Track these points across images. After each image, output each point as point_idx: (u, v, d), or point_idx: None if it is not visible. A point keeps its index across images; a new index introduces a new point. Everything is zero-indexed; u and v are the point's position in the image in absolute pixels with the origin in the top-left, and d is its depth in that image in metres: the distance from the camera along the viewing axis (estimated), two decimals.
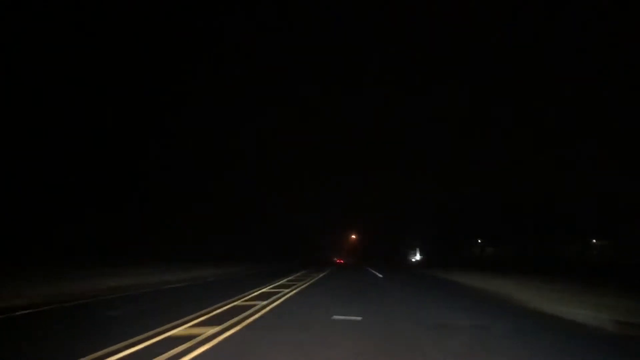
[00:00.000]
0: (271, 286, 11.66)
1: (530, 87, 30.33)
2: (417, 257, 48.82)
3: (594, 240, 34.41)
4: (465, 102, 36.99)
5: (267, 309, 7.08)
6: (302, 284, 12.40)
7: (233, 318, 5.93)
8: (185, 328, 5.20)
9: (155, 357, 3.77)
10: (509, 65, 32.14)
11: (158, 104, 31.04)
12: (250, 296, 8.99)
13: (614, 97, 24.42)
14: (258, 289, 10.77)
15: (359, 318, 6.24)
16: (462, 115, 36.58)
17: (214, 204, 36.45)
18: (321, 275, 18.01)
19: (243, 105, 46.43)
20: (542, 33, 28.51)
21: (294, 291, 10.42)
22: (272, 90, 48.99)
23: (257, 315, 6.32)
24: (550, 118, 29.03)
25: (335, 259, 66.96)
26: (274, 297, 8.78)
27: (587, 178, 27.93)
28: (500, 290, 11.00)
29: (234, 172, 39.97)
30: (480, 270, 20.55)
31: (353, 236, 79.42)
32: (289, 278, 15.29)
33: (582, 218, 30.51)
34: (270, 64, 45.96)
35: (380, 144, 55.81)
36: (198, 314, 6.27)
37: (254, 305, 7.34)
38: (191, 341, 4.41)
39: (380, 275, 18.74)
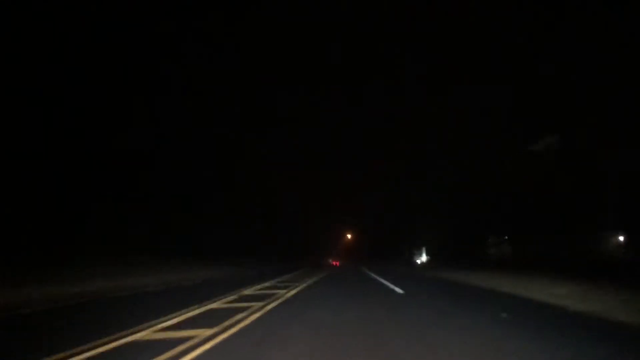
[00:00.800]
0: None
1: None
2: (423, 257, 42.27)
3: (621, 238, 28.91)
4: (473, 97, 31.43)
5: None
6: (243, 320, 5.67)
7: None
8: None
9: None
10: (513, 63, 27.11)
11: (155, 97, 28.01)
12: None
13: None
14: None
15: None
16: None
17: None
18: (301, 287, 11.18)
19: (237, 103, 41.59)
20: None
21: None
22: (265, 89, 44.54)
23: None
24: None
25: (331, 260, 60.62)
26: None
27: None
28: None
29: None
30: (540, 275, 13.73)
31: (349, 236, 73.15)
32: (234, 297, 8.51)
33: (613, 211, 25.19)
34: (270, 65, 41.69)
35: (381, 140, 50.44)
36: None
37: None
38: None
39: (401, 291, 11.10)
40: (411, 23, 34.03)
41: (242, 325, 6.03)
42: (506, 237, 39.07)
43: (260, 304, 8.29)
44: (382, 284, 13.42)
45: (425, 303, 8.93)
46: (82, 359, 4.07)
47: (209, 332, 5.42)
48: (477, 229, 37.87)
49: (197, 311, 7.26)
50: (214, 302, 8.50)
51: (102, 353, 4.27)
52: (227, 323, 6.08)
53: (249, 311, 7.30)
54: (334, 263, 54.85)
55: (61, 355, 4.18)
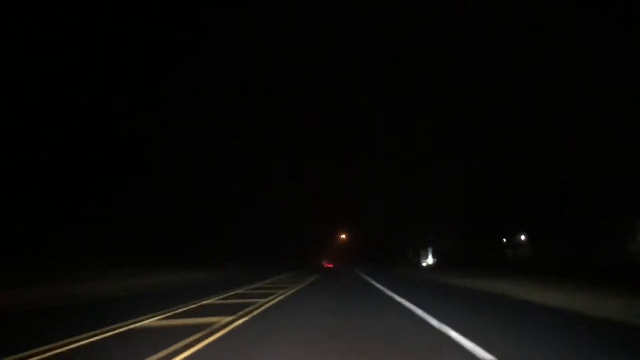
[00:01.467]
0: None
1: None
2: (430, 260, 37.87)
3: None
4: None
5: None
6: None
7: None
8: None
9: None
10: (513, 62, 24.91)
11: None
12: None
13: None
14: None
15: None
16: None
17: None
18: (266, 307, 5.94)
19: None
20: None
21: None
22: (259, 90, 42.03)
23: None
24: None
25: (325, 262, 56.11)
26: None
27: None
28: None
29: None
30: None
31: (343, 236, 68.51)
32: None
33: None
34: (269, 64, 40.09)
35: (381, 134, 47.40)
36: None
37: None
38: None
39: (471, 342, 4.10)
40: (411, 23, 31.52)
41: None
42: (522, 238, 35.04)
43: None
44: (408, 311, 6.72)
45: None
46: None
47: None
48: (490, 229, 33.83)
49: None
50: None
51: None
52: None
53: None
54: (327, 265, 50.20)
55: None
